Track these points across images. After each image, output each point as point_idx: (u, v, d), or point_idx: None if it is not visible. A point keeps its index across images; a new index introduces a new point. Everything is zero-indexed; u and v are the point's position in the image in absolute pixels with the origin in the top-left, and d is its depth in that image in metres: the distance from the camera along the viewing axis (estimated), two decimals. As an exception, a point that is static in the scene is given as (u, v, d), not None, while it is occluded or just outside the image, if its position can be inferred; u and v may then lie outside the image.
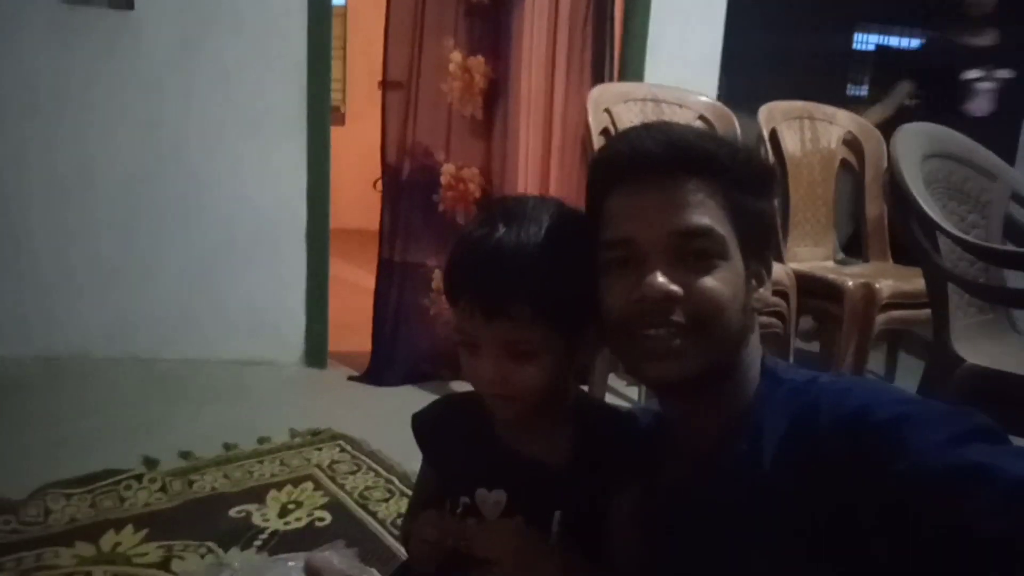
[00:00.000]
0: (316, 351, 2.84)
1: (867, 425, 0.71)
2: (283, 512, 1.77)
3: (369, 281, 2.88)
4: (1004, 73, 3.40)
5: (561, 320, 0.84)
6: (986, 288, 1.60)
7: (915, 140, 1.57)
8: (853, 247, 3.05)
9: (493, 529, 0.88)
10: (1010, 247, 1.67)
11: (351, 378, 2.77)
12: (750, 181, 0.83)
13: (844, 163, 2.71)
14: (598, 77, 2.85)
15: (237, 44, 2.63)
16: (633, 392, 2.63)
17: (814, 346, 2.84)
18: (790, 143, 2.56)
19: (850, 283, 2.20)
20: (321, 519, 1.76)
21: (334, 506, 1.81)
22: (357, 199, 4.20)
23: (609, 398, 2.37)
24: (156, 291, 2.72)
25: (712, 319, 0.78)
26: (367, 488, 1.92)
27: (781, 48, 4.65)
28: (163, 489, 1.81)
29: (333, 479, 1.95)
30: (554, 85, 2.82)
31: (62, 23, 2.49)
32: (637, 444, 0.91)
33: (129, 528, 1.64)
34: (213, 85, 2.64)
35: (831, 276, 2.28)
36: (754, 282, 0.84)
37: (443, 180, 2.78)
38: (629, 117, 2.33)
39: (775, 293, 2.07)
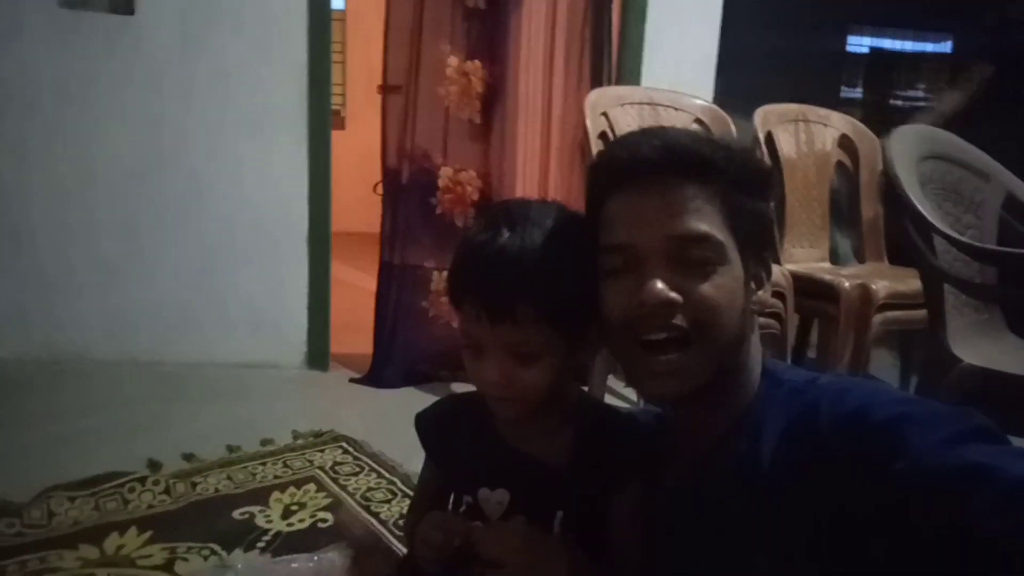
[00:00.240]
0: (318, 354, 2.86)
1: (866, 425, 0.71)
2: (286, 513, 1.78)
3: (371, 283, 2.90)
4: None
5: (564, 322, 0.85)
6: (982, 288, 1.62)
7: (910, 141, 1.58)
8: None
9: (497, 530, 0.89)
10: (1004, 247, 1.68)
11: (353, 380, 2.78)
12: (747, 183, 0.84)
13: (839, 165, 2.73)
14: (596, 81, 2.87)
15: (237, 45, 2.65)
16: (632, 392, 2.64)
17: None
18: (785, 145, 2.57)
19: (846, 284, 2.21)
20: (324, 520, 1.76)
21: (336, 507, 1.82)
22: (358, 202, 4.20)
23: (609, 398, 2.38)
24: (157, 292, 2.74)
25: (712, 324, 0.79)
26: (369, 489, 1.93)
27: (776, 50, 4.67)
28: (167, 491, 1.82)
29: (336, 480, 1.96)
30: (552, 89, 2.83)
31: (62, 25, 2.51)
32: (638, 444, 0.92)
33: (133, 530, 1.65)
34: (214, 86, 2.66)
35: (827, 277, 2.29)
36: (753, 284, 0.84)
37: (441, 183, 2.79)
38: (626, 120, 2.34)
39: (772, 295, 2.08)
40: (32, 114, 2.56)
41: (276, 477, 1.96)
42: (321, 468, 2.02)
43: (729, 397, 0.85)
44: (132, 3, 2.54)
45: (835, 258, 2.76)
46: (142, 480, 1.84)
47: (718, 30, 3.14)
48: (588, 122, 2.25)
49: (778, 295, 2.18)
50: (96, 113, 2.60)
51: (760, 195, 0.86)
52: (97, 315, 2.70)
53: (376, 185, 2.87)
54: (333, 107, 3.09)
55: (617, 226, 0.83)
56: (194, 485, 1.87)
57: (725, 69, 3.23)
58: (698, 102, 2.54)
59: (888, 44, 5.82)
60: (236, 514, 1.75)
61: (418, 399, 2.06)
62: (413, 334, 2.83)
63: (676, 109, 2.48)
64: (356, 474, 2.01)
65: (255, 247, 2.78)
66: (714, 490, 0.84)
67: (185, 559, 1.56)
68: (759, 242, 0.86)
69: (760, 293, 0.86)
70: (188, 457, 2.01)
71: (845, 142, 2.71)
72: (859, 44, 5.88)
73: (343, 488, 1.92)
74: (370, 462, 2.07)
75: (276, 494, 1.86)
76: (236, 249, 2.77)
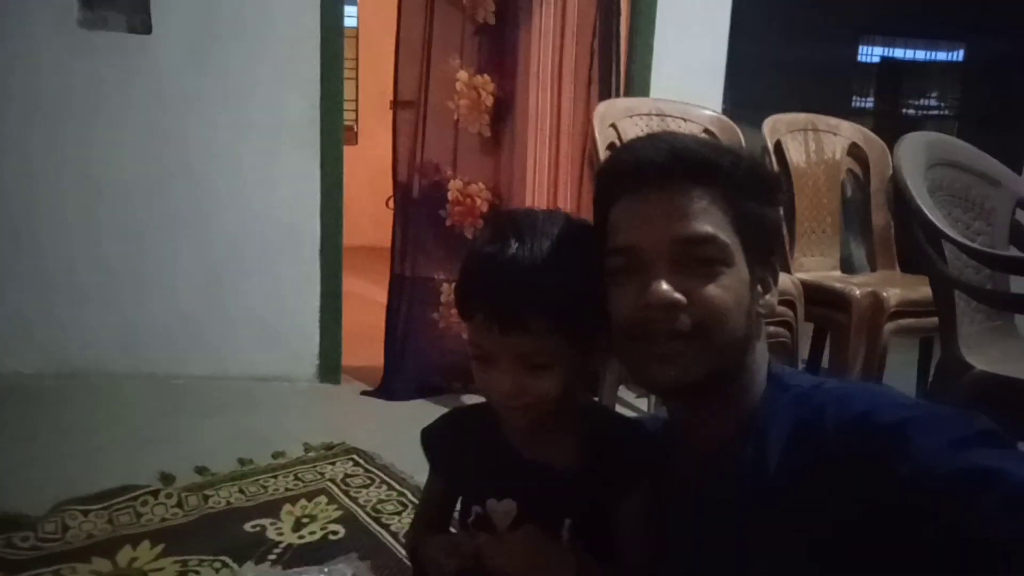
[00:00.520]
0: (330, 367, 2.87)
1: (871, 429, 0.71)
2: (297, 526, 1.78)
3: (382, 295, 2.91)
4: None
5: (575, 331, 0.85)
6: (993, 294, 1.60)
7: (918, 149, 1.57)
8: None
9: (505, 542, 0.89)
10: (1015, 253, 1.67)
11: (364, 392, 2.79)
12: (754, 187, 0.84)
13: (850, 173, 2.72)
14: (605, 93, 2.88)
15: (252, 63, 2.69)
16: (643, 404, 2.64)
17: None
18: (795, 154, 2.57)
19: (857, 292, 2.20)
20: (335, 532, 1.77)
21: (347, 519, 1.83)
22: (370, 217, 4.23)
23: (619, 409, 2.37)
24: (169, 306, 2.76)
25: (716, 325, 0.79)
26: (380, 501, 1.93)
27: (785, 61, 4.67)
28: (179, 504, 1.83)
29: (347, 493, 1.96)
30: (560, 101, 2.85)
31: (81, 45, 2.55)
32: (645, 450, 0.92)
33: (146, 543, 1.66)
34: (228, 103, 2.70)
35: (838, 285, 2.28)
36: (759, 288, 0.84)
37: (450, 196, 2.82)
38: (635, 132, 2.34)
39: (782, 303, 2.08)
40: (50, 131, 2.60)
41: (287, 490, 1.96)
42: (332, 480, 2.03)
43: (735, 401, 0.85)
44: (149, 23, 2.59)
45: (848, 267, 2.75)
46: (155, 493, 1.85)
47: (726, 41, 3.15)
48: (597, 134, 2.26)
49: (788, 303, 2.17)
50: (112, 130, 2.64)
51: (767, 200, 0.86)
52: (109, 329, 2.73)
53: (388, 200, 2.89)
54: (346, 123, 3.12)
55: (623, 229, 0.84)
56: (206, 498, 1.88)
57: (734, 80, 3.23)
58: (707, 113, 2.55)
59: (899, 53, 5.81)
60: (248, 527, 1.76)
61: (429, 411, 2.06)
62: (424, 346, 2.84)
63: (685, 120, 2.49)
64: (367, 486, 2.01)
65: (268, 261, 2.80)
66: (720, 494, 0.84)
67: (197, 572, 1.57)
68: (766, 246, 0.86)
69: (767, 297, 0.86)
70: (200, 470, 2.02)
71: (855, 151, 2.70)
72: (870, 54, 5.88)
73: (354, 500, 1.92)
74: (381, 474, 2.07)
75: (287, 507, 1.86)
76: (249, 263, 2.79)
